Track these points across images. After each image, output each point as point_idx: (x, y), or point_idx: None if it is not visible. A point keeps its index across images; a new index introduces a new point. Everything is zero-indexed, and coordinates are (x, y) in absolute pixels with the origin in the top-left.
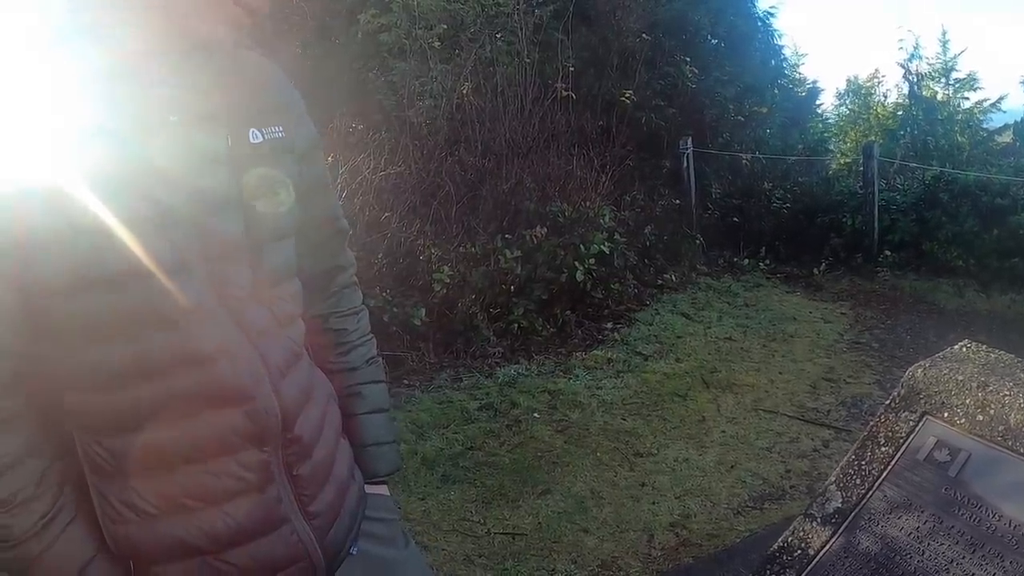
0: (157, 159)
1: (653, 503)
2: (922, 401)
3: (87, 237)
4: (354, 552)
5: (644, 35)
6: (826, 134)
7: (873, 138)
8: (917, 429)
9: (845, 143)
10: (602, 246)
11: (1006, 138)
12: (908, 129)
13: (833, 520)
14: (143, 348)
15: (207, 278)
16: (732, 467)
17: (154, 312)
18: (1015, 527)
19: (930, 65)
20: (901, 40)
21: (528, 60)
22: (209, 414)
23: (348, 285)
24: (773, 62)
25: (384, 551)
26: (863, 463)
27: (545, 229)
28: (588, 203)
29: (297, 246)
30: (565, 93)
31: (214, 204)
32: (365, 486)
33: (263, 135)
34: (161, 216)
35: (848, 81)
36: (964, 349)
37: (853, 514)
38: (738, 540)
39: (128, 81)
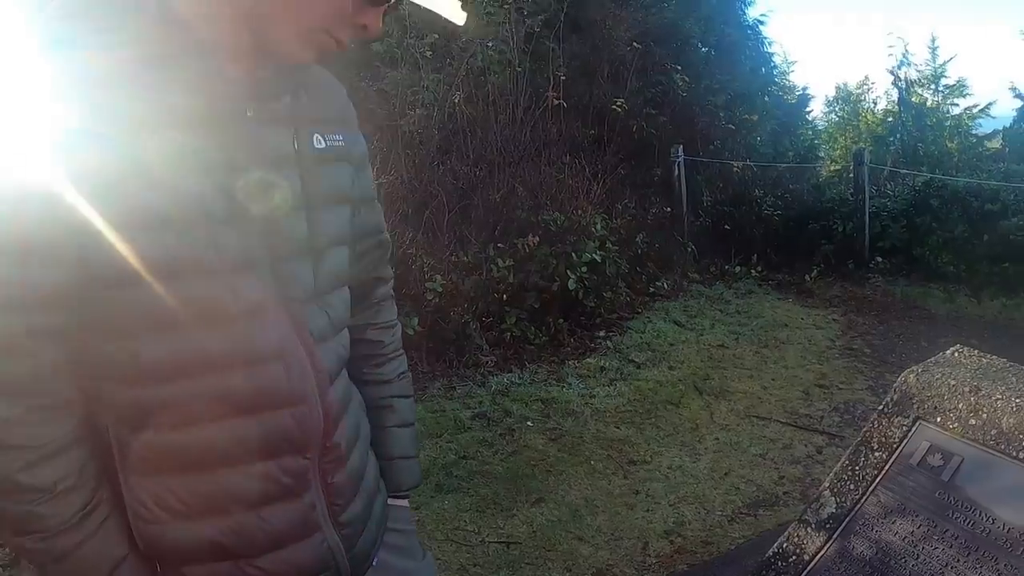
0: (233, 154)
1: (647, 511)
2: (915, 406)
3: (149, 229)
4: (375, 563)
5: (635, 44)
6: (816, 141)
7: (863, 145)
8: (910, 434)
9: (835, 150)
10: (594, 254)
11: (995, 144)
12: (898, 135)
13: (828, 525)
14: (198, 343)
15: (272, 277)
16: (726, 474)
17: (214, 308)
18: (1008, 530)
19: (919, 72)
20: (891, 47)
21: (520, 69)
22: (257, 416)
23: (387, 298)
24: (763, 70)
25: (403, 562)
26: (857, 468)
27: (537, 238)
28: (580, 211)
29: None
30: (556, 102)
31: (283, 203)
32: (391, 500)
33: (326, 141)
34: (233, 211)
35: (838, 88)
36: (956, 354)
37: (848, 519)
38: (732, 547)
39: (205, 74)
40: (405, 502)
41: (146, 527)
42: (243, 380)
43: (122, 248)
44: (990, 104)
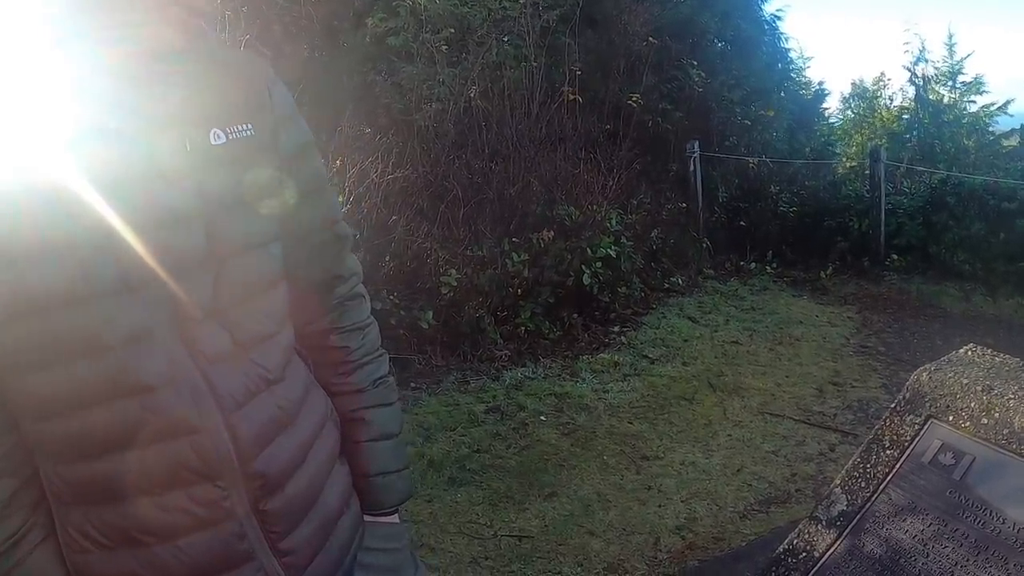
0: (99, 172)
1: (659, 506)
2: (927, 405)
3: (16, 264)
4: None
5: (651, 38)
6: (832, 137)
7: (879, 142)
8: (922, 432)
9: (851, 147)
10: (609, 249)
11: (1013, 141)
12: (914, 132)
13: (838, 523)
14: (78, 377)
15: (157, 299)
16: (738, 470)
17: (89, 339)
18: (1019, 530)
19: (936, 68)
20: (907, 43)
21: (535, 64)
22: (156, 446)
23: (351, 297)
24: (779, 65)
25: None
26: (868, 466)
27: (552, 232)
28: (595, 206)
29: (292, 253)
30: (572, 97)
31: (169, 215)
32: (372, 517)
33: (226, 135)
34: (103, 233)
35: (854, 84)
36: (969, 353)
37: (858, 517)
38: (744, 543)
39: (69, 92)
40: (393, 518)
41: (74, 556)
42: (131, 412)
43: None
44: (1008, 102)
